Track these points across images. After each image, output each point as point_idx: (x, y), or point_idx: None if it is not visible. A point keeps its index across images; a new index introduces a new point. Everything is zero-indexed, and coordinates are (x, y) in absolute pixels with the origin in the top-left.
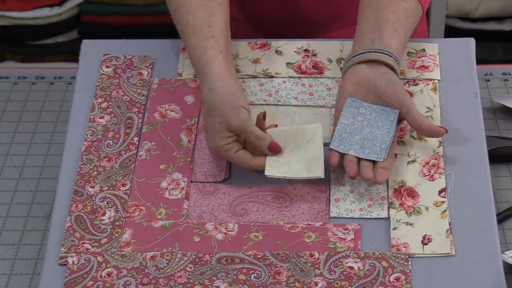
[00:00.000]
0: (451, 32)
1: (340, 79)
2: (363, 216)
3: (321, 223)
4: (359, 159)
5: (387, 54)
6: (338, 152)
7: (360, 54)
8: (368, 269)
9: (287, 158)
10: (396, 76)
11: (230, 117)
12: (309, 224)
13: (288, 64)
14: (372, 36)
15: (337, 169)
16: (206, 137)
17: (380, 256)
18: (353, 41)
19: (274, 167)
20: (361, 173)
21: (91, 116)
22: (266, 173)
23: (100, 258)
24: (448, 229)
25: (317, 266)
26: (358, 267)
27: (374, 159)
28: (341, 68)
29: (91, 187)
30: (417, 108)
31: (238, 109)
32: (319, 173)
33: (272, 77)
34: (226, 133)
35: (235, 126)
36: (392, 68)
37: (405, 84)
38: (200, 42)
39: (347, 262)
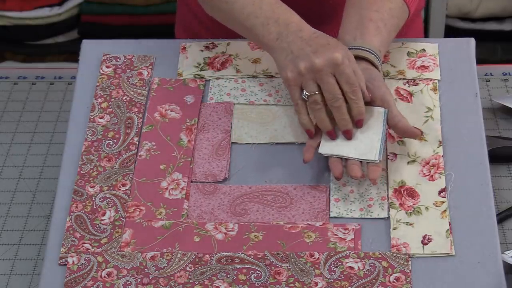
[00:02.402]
0: (451, 32)
1: None
2: (363, 216)
3: (321, 223)
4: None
5: (367, 51)
6: (340, 159)
7: None
8: (368, 269)
9: (343, 136)
10: (377, 72)
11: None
12: (309, 224)
13: None
14: (354, 33)
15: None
16: (316, 52)
17: (380, 256)
18: (337, 38)
19: (328, 146)
20: (348, 172)
21: (91, 116)
22: (320, 150)
23: (100, 258)
24: (448, 229)
25: (317, 266)
26: (358, 267)
27: (370, 160)
28: None
29: (91, 187)
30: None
31: None
32: (373, 156)
33: (272, 77)
34: None
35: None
36: (373, 64)
37: (405, 84)
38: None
39: (347, 262)
